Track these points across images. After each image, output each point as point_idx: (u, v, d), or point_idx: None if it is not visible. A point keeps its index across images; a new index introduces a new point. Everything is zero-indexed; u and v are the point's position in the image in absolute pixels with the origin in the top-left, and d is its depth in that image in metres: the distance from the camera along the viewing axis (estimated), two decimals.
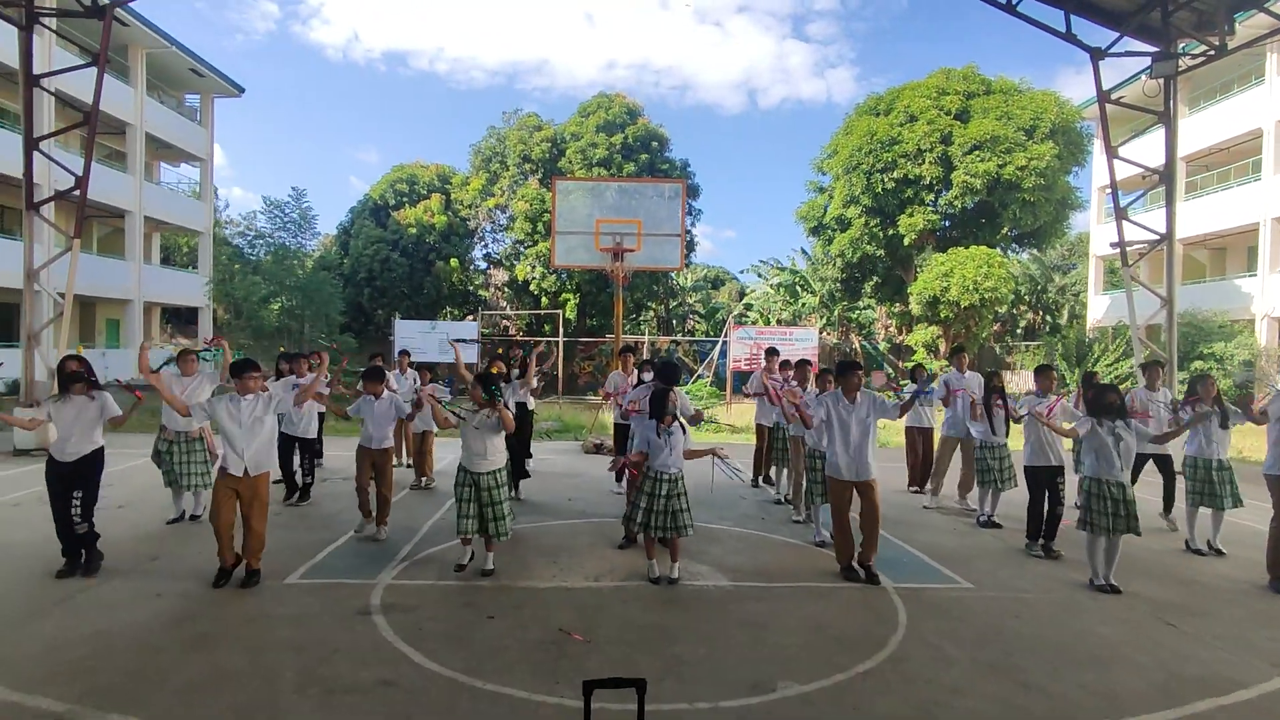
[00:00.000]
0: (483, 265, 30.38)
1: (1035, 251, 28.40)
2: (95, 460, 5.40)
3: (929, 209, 21.81)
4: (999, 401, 7.62)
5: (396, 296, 26.80)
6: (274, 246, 23.12)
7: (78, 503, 5.27)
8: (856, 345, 28.51)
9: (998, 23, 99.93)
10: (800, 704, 3.77)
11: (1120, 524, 5.40)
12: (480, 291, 29.50)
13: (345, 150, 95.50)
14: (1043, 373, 6.91)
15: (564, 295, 25.87)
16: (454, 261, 27.69)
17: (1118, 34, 10.46)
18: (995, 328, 26.81)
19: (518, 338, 25.96)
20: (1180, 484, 7.40)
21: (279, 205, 23.38)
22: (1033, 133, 20.11)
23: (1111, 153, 10.74)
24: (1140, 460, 7.46)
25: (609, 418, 15.09)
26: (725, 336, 20.61)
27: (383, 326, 26.75)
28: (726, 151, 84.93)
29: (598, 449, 11.99)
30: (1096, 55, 10.52)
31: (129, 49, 23.12)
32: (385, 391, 6.77)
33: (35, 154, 11.16)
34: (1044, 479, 6.51)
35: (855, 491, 5.72)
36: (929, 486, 8.79)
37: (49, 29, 11.87)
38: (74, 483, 5.28)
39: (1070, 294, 31.23)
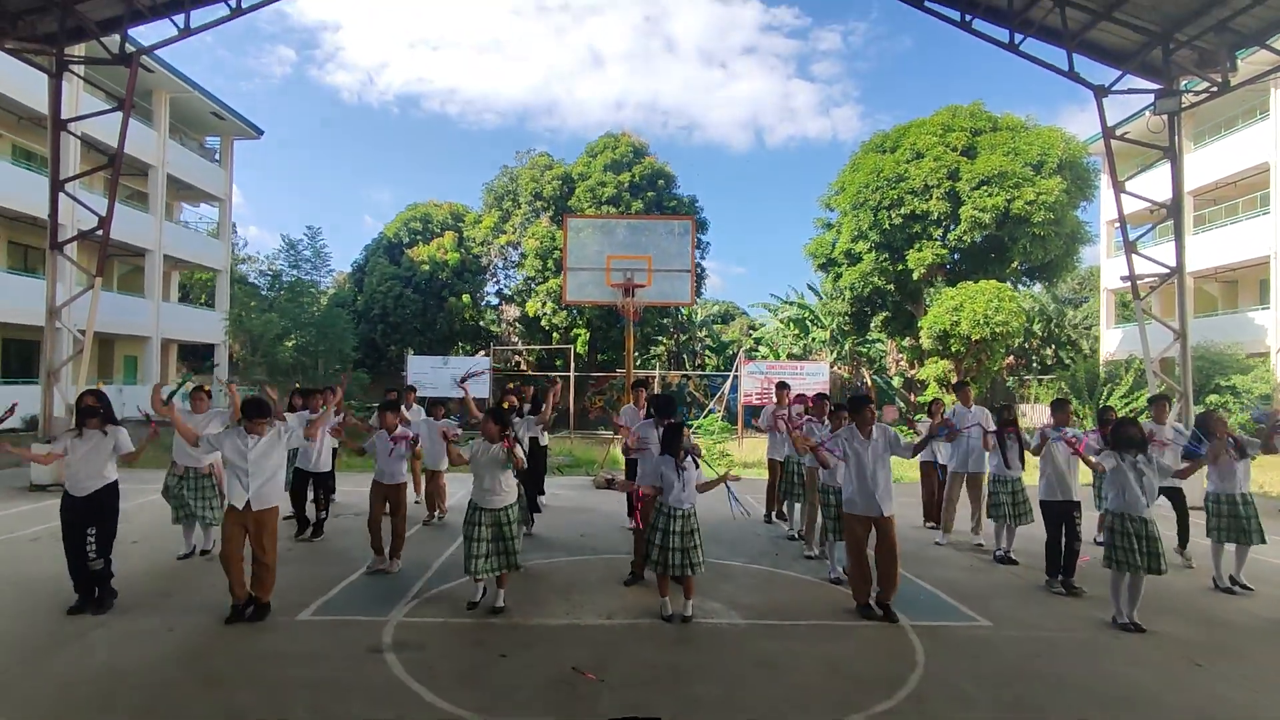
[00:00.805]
0: (494, 301, 30.66)
1: (1046, 285, 28.38)
2: (109, 495, 5.43)
3: (937, 243, 21.90)
4: (1012, 435, 7.58)
5: (409, 332, 27.02)
6: (290, 280, 23.45)
7: (92, 538, 5.27)
8: (868, 379, 28.41)
9: (1001, 62, 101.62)
10: None
11: (1145, 562, 5.30)
12: (492, 327, 29.71)
13: (359, 190, 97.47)
14: (1060, 406, 6.83)
15: (575, 330, 26.01)
16: (466, 298, 27.96)
17: (1120, 72, 10.63)
18: (1007, 361, 26.68)
19: (529, 373, 26.07)
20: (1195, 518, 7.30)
21: (293, 244, 23.78)
22: (1040, 168, 20.27)
23: (1119, 188, 10.81)
24: None
25: (617, 452, 15.13)
26: (736, 371, 20.61)
27: (395, 362, 26.92)
28: (734, 189, 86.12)
29: (609, 484, 11.92)
30: (1100, 93, 10.67)
31: (153, 93, 23.84)
32: (399, 427, 6.81)
33: (60, 195, 11.46)
34: (1060, 514, 6.43)
35: (872, 528, 5.66)
36: (941, 523, 8.68)
37: (77, 75, 12.28)
38: (88, 518, 5.29)
39: (1082, 328, 31.10)
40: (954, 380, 22.54)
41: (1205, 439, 6.42)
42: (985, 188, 20.45)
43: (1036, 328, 30.41)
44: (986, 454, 7.95)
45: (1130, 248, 10.75)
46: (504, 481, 5.53)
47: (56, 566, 6.19)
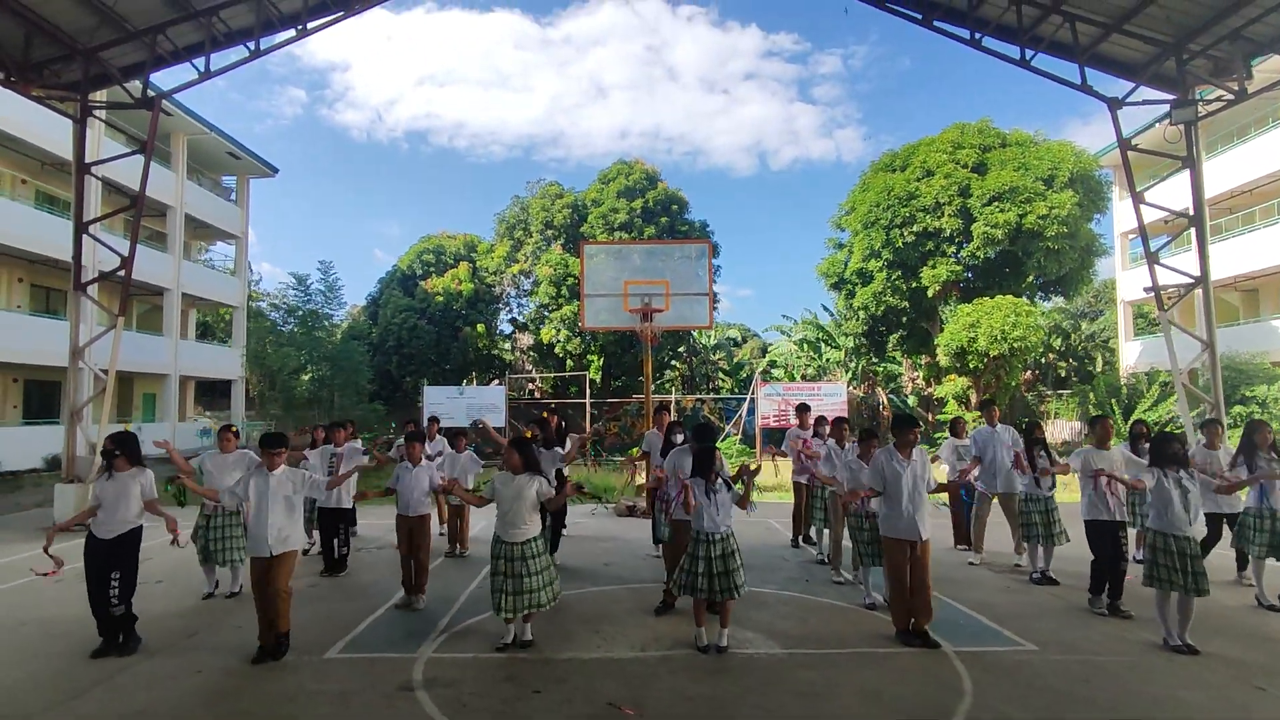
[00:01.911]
0: (508, 330, 30.76)
1: (1062, 299, 28.16)
2: (133, 539, 5.38)
3: (951, 260, 21.80)
4: (1040, 453, 7.43)
5: (424, 363, 27.11)
6: (304, 314, 23.64)
7: (115, 584, 5.21)
8: (883, 399, 28.16)
9: (1001, 80, 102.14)
10: None
11: (1187, 581, 5.12)
12: (506, 356, 29.77)
13: (369, 224, 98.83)
14: (1099, 424, 6.65)
15: (588, 357, 26.00)
16: (480, 327, 28.07)
17: (1134, 84, 10.60)
18: (1026, 377, 26.38)
19: (543, 400, 26.03)
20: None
21: (302, 280, 23.97)
22: (1051, 182, 20.19)
23: (1138, 198, 10.72)
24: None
25: (640, 479, 14.98)
26: (753, 393, 20.47)
27: (410, 393, 26.98)
28: (740, 213, 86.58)
29: (630, 511, 11.81)
30: (1114, 105, 10.63)
31: (171, 136, 24.33)
32: (423, 460, 6.76)
33: (74, 241, 11.62)
34: (1104, 533, 6.25)
35: (909, 551, 5.52)
36: (972, 545, 8.49)
37: (99, 119, 12.53)
38: (111, 562, 5.24)
39: (1099, 341, 30.78)
40: (973, 397, 22.34)
41: (1252, 450, 6.29)
42: (997, 203, 20.39)
43: (1055, 343, 30.12)
44: (1017, 474, 7.79)
45: (1152, 258, 10.63)
46: (528, 514, 5.42)
47: (80, 608, 6.13)
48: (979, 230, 20.61)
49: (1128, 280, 26.14)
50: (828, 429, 8.43)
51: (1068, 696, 4.53)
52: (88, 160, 11.87)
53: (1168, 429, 17.01)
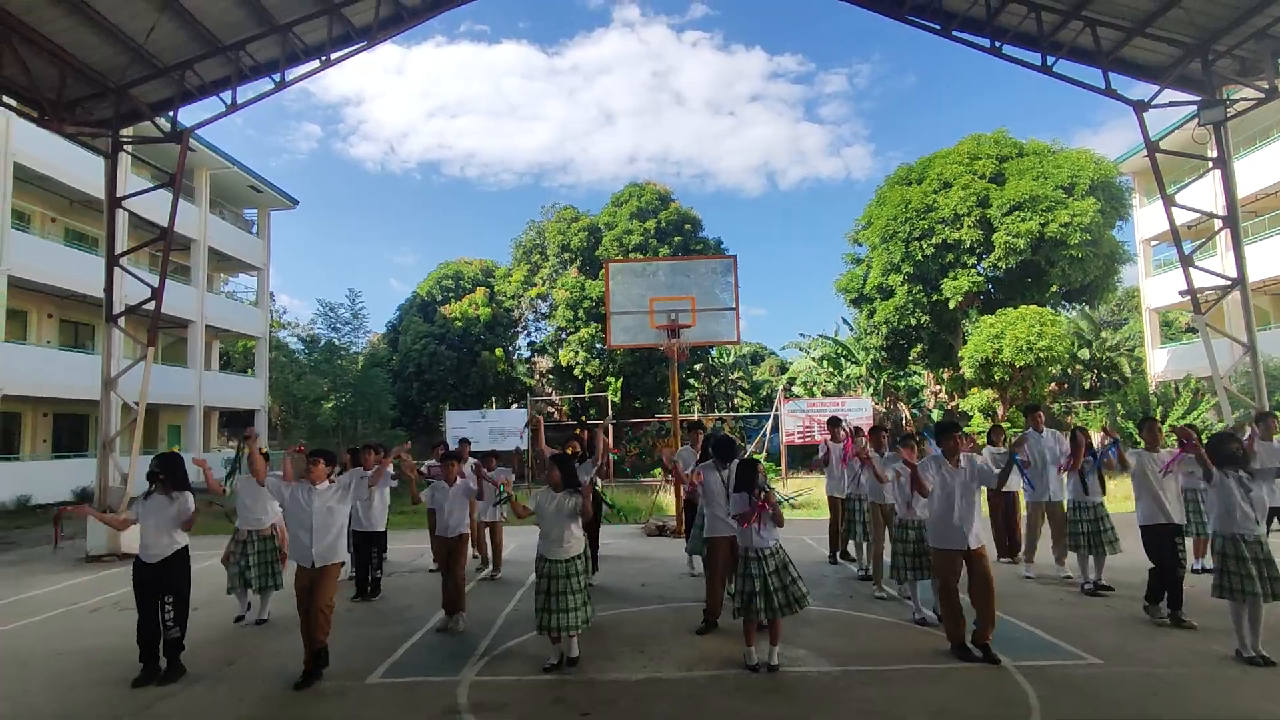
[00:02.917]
0: (526, 354, 30.82)
1: (1085, 308, 27.79)
2: (181, 562, 5.34)
3: (972, 271, 21.62)
4: (1089, 459, 7.23)
5: (444, 388, 27.19)
6: (325, 343, 23.85)
7: (170, 607, 5.20)
8: (906, 414, 27.83)
9: (1009, 91, 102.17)
10: None
11: (1265, 587, 4.90)
12: (525, 379, 29.80)
13: (385, 254, 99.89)
14: (1147, 426, 6.46)
15: (608, 379, 25.95)
16: (499, 351, 28.16)
17: (1158, 86, 10.49)
18: (1052, 387, 25.96)
19: (566, 423, 25.94)
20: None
21: (332, 307, 24.25)
22: (1072, 190, 20.03)
23: (1168, 201, 10.55)
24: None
25: (664, 499, 14.82)
26: (776, 410, 20.28)
27: (431, 419, 27.04)
28: (750, 233, 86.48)
29: (660, 530, 11.65)
30: (1140, 108, 10.52)
31: (195, 171, 24.79)
32: (459, 479, 6.69)
33: (106, 274, 11.78)
34: (1162, 538, 6.03)
35: (962, 562, 5.35)
36: (1022, 555, 8.26)
37: (131, 155, 12.77)
38: (161, 586, 5.21)
39: (1125, 350, 30.29)
40: (999, 410, 22.00)
41: None
42: (1018, 213, 20.24)
43: (1082, 353, 29.68)
44: (1064, 480, 7.59)
45: (1187, 260, 10.43)
46: (571, 531, 5.34)
47: (117, 638, 6.15)
48: (1000, 240, 20.45)
49: (1152, 287, 25.75)
50: (865, 440, 8.29)
51: (1139, 711, 4.33)
52: (118, 195, 12.06)
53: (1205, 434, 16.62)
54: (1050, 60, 10.69)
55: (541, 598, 5.21)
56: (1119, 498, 9.67)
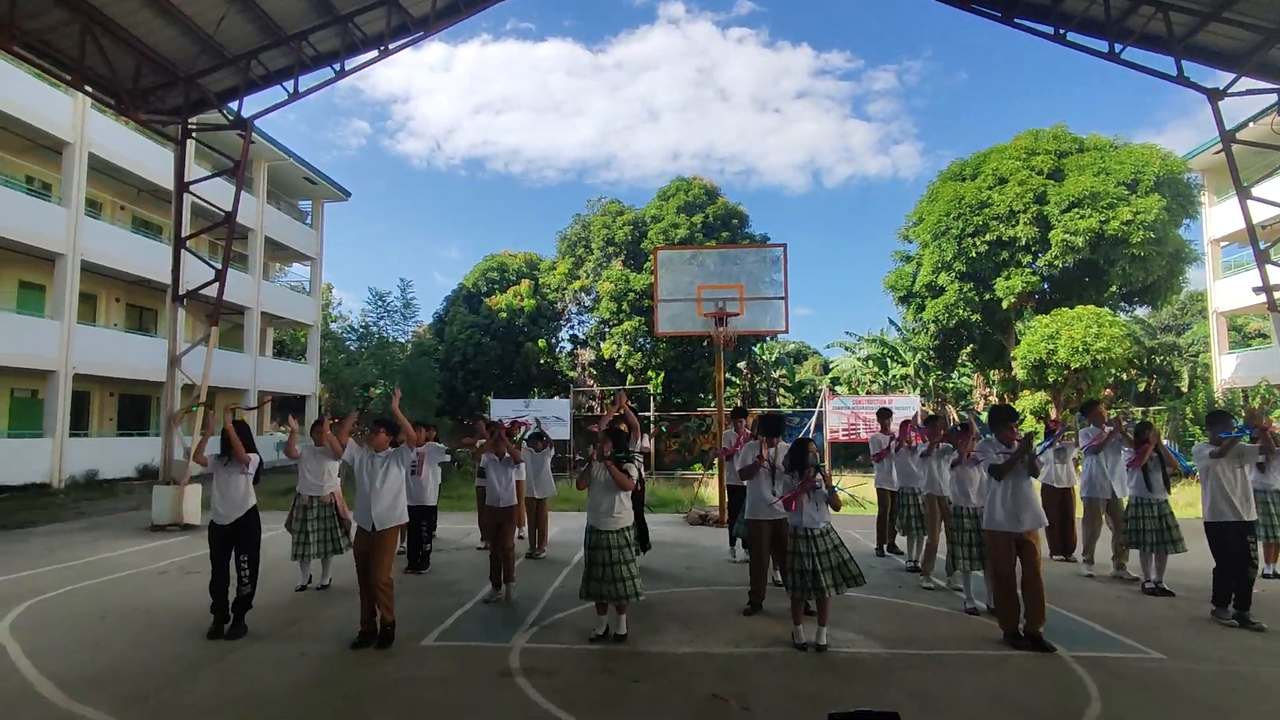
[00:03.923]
0: (569, 347, 31.06)
1: (1148, 310, 26.79)
2: (253, 521, 5.60)
3: (1027, 270, 21.02)
4: (1154, 455, 7.00)
5: (488, 379, 27.57)
6: (376, 335, 24.43)
7: (245, 564, 5.48)
8: (954, 416, 27.23)
9: (1064, 89, 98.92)
10: None
11: None
12: (568, 372, 30.03)
13: (429, 248, 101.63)
14: (1219, 420, 6.21)
15: (649, 373, 26.00)
16: (542, 343, 28.43)
17: (1235, 74, 10.08)
18: (1107, 392, 25.11)
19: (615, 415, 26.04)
20: None
21: (382, 297, 24.82)
22: (1135, 186, 19.31)
23: (1244, 194, 10.11)
24: None
25: (706, 492, 14.79)
26: (821, 406, 20.05)
27: (475, 408, 27.44)
28: (794, 232, 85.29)
29: (703, 520, 11.64)
30: (1215, 97, 10.11)
31: (253, 162, 25.58)
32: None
33: (173, 256, 12.28)
34: (1229, 535, 5.80)
35: (1015, 547, 5.24)
36: (1080, 554, 8.02)
37: (195, 140, 13.27)
38: (236, 544, 5.49)
39: (1187, 355, 29.11)
40: (1051, 413, 21.36)
41: None
42: (1076, 210, 19.62)
43: (1136, 357, 28.63)
44: (1125, 476, 7.35)
45: (1262, 255, 9.99)
46: (621, 502, 5.40)
47: (184, 598, 6.47)
48: (1057, 238, 19.86)
49: (1221, 290, 24.60)
50: (912, 432, 8.18)
51: (1213, 706, 4.19)
52: (185, 180, 12.55)
53: None
54: (1118, 48, 10.35)
55: (591, 568, 5.28)
56: (1181, 504, 9.33)
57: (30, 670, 4.70)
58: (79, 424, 19.76)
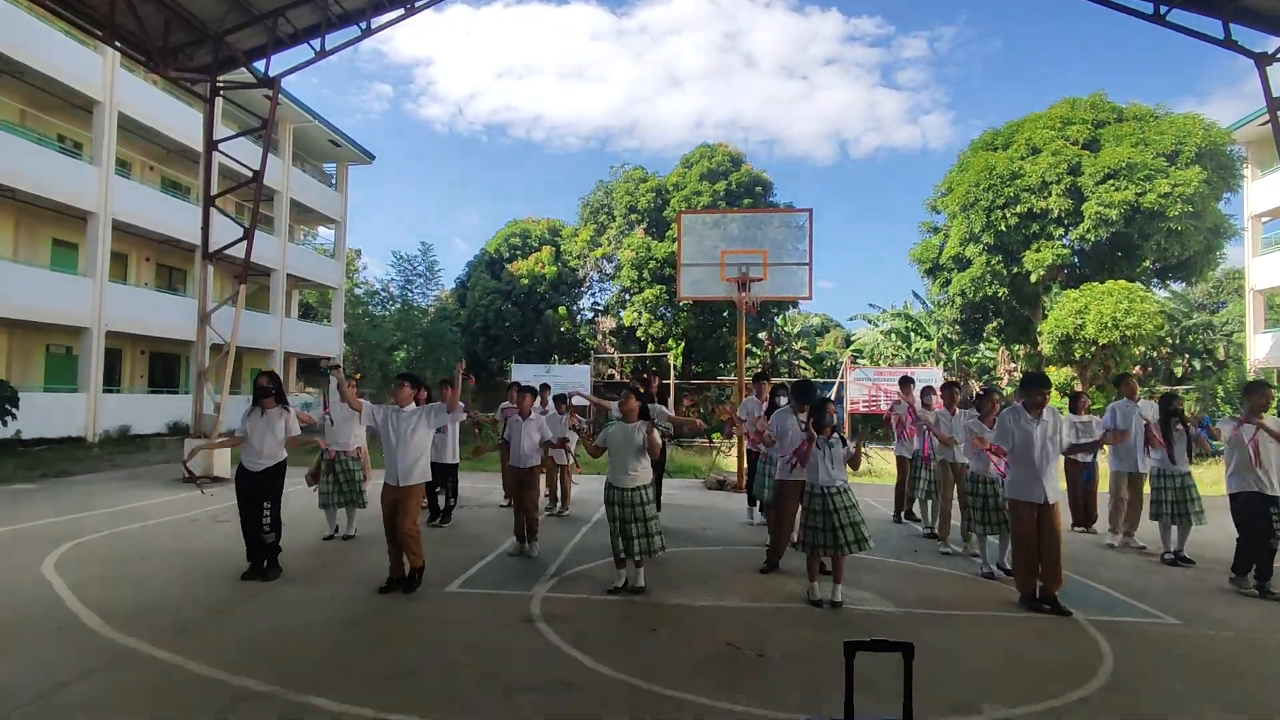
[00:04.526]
0: (589, 315, 31.13)
1: (1183, 286, 26.15)
2: (279, 472, 5.73)
3: (1058, 243, 20.59)
4: (1179, 427, 6.93)
5: (509, 344, 27.78)
6: (401, 299, 24.65)
7: (268, 512, 5.61)
8: (975, 389, 26.99)
9: (1101, 60, 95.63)
10: None
11: None
12: (588, 339, 30.16)
13: (450, 213, 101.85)
14: (1257, 389, 6.09)
15: (669, 341, 26.02)
16: (562, 310, 28.53)
17: None
18: (1136, 370, 24.71)
19: (628, 382, 26.19)
20: None
21: (408, 259, 24.98)
22: (1175, 158, 18.74)
23: None
24: None
25: (722, 460, 14.88)
26: (842, 378, 19.98)
27: (496, 373, 27.70)
28: (819, 202, 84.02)
29: (720, 485, 11.74)
30: (1263, 61, 9.75)
31: (279, 124, 25.61)
32: (533, 414, 6.89)
33: (203, 212, 12.45)
34: (1253, 506, 5.75)
35: (1037, 515, 5.24)
36: (1108, 526, 7.98)
37: (224, 98, 13.34)
38: (262, 492, 5.63)
39: (1222, 333, 28.48)
40: (1078, 389, 21.10)
41: None
42: (1112, 181, 19.12)
43: (1168, 334, 28.09)
44: (1150, 450, 7.29)
45: None
46: (641, 462, 5.46)
47: (219, 543, 6.72)
48: (1090, 210, 19.41)
49: (1259, 267, 23.91)
50: (935, 398, 8.18)
51: (1225, 668, 4.21)
52: (214, 139, 12.65)
53: None
54: (1164, 9, 9.99)
55: (616, 525, 5.38)
56: (1206, 482, 9.25)
57: (75, 603, 4.92)
58: (111, 380, 20.24)
